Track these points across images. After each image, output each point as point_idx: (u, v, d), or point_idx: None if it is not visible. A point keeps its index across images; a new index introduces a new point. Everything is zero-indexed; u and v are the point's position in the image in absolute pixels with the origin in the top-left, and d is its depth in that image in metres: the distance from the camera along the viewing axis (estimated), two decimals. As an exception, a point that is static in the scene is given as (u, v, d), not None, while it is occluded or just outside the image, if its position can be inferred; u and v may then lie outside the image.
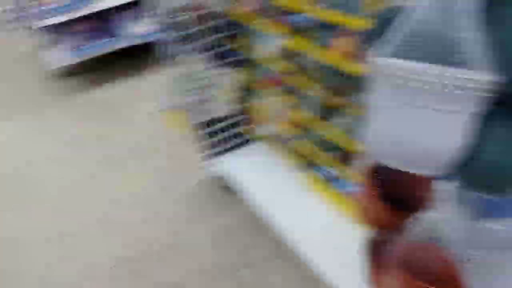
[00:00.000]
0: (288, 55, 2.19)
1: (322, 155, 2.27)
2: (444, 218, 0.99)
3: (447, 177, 0.79)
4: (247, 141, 2.98)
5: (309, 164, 2.44)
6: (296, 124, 2.36)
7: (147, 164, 3.36)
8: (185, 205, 2.93)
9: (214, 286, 2.39)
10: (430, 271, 0.96)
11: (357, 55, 1.82)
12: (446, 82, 0.68)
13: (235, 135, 2.94)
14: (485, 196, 0.85)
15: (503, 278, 0.86)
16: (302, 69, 2.17)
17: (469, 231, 0.92)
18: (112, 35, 4.47)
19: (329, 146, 2.24)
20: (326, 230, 2.34)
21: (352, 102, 1.95)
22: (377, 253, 1.14)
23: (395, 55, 0.70)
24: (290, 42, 2.13)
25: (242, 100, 2.81)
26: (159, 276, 2.49)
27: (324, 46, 1.95)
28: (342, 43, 1.87)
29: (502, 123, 0.70)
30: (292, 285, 2.33)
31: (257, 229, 2.65)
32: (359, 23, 1.71)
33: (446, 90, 0.68)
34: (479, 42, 0.66)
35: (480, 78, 0.67)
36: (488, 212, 0.92)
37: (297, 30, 2.08)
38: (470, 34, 0.66)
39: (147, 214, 2.91)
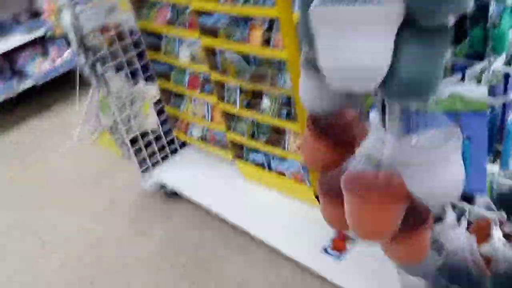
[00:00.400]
0: (207, 55, 2.36)
1: (255, 140, 2.46)
2: (378, 144, 1.20)
3: (378, 92, 1.00)
4: (181, 146, 3.11)
5: (244, 152, 2.62)
6: (225, 118, 2.52)
7: (86, 189, 3.37)
8: (132, 220, 2.98)
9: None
10: (376, 189, 1.16)
11: (273, 42, 2.05)
12: (366, 15, 0.89)
13: (169, 143, 3.06)
14: (407, 108, 1.08)
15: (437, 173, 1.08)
16: (222, 66, 2.35)
17: (399, 148, 1.14)
18: (19, 75, 4.38)
19: (260, 131, 2.43)
20: (273, 209, 2.53)
21: (274, 85, 2.16)
22: (327, 190, 1.33)
23: (325, 1, 0.91)
24: (208, 43, 2.30)
25: (169, 107, 2.94)
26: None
27: (242, 40, 2.15)
28: (258, 33, 2.08)
29: (413, 41, 0.93)
30: (254, 265, 2.48)
31: (207, 225, 2.78)
32: (271, 12, 1.93)
33: (368, 21, 0.89)
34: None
35: (392, 9, 0.88)
36: (411, 127, 1.15)
37: (213, 30, 2.26)
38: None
39: (95, 235, 2.94)
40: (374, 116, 1.22)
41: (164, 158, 3.07)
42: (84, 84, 2.73)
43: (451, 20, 0.87)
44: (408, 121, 1.15)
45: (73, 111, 4.24)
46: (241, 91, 2.38)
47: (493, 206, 1.37)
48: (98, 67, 2.67)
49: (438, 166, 1.07)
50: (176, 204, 2.98)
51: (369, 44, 0.89)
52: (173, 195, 2.99)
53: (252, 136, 2.47)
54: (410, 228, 1.23)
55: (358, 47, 0.89)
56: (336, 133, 1.32)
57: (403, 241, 1.26)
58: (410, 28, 0.91)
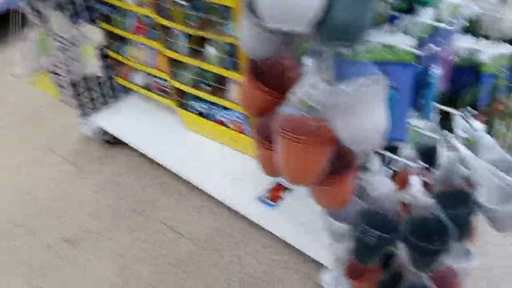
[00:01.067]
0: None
1: (198, 89, 2.46)
2: (310, 89, 1.24)
3: (312, 37, 1.03)
4: (124, 92, 3.06)
5: (187, 101, 2.61)
6: (170, 64, 2.50)
7: (23, 131, 3.28)
8: (70, 165, 2.94)
9: (110, 234, 2.49)
10: (305, 131, 1.21)
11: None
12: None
13: (110, 88, 3.00)
14: (338, 53, 1.11)
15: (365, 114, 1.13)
16: (169, 10, 2.31)
17: (329, 93, 1.18)
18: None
19: (203, 79, 2.43)
20: (213, 158, 2.56)
21: (220, 33, 2.14)
22: (262, 134, 1.37)
23: None
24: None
25: (112, 52, 2.86)
26: (52, 235, 2.51)
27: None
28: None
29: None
30: (192, 212, 2.52)
31: (146, 172, 2.78)
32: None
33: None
34: None
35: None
36: (341, 74, 1.19)
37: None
38: None
39: (31, 178, 2.88)
40: (308, 62, 1.25)
41: (105, 104, 3.02)
42: (25, 25, 2.61)
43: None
44: (339, 68, 1.18)
45: (9, 53, 4.05)
46: (187, 38, 2.35)
47: (416, 157, 1.46)
48: (39, 4, 2.56)
49: (362, 111, 1.12)
50: (116, 150, 2.96)
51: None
52: (112, 141, 2.96)
53: (196, 84, 2.46)
54: (336, 173, 1.29)
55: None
56: (273, 78, 1.34)
57: (329, 185, 1.32)
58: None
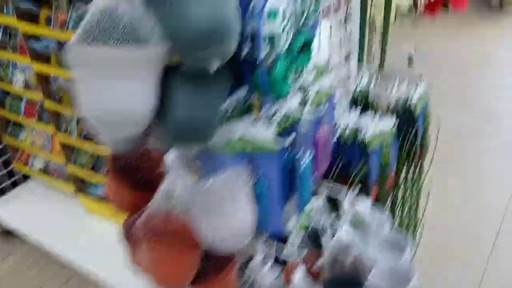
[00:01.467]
0: (40, 82, 2.20)
1: (95, 174, 2.32)
2: (175, 185, 1.14)
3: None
4: (23, 178, 2.85)
5: (86, 186, 2.46)
6: (65, 149, 2.36)
7: None
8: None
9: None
10: (167, 230, 1.10)
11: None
12: (126, 57, 0.83)
13: (7, 175, 2.79)
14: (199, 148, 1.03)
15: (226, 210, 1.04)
16: (58, 93, 2.20)
17: (191, 191, 1.09)
18: None
19: (100, 163, 2.30)
20: (117, 244, 2.38)
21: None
22: (130, 233, 1.25)
23: (84, 40, 0.83)
24: (39, 69, 2.14)
25: (5, 138, 2.69)
26: None
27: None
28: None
29: (182, 84, 0.88)
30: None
31: (46, 266, 2.55)
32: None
33: (128, 64, 0.83)
34: (148, 20, 0.82)
35: (154, 51, 0.83)
36: (203, 169, 1.11)
37: (44, 55, 2.11)
38: (140, 14, 0.82)
39: None
40: (171, 156, 1.16)
41: (2, 192, 2.79)
42: None
43: (214, 65, 0.84)
44: (200, 163, 1.11)
45: None
46: (78, 121, 2.23)
47: (305, 243, 1.39)
48: None
49: (223, 208, 1.04)
50: (13, 243, 2.71)
51: (128, 88, 0.82)
52: (9, 233, 2.72)
53: (93, 168, 2.33)
54: (212, 270, 1.19)
55: (117, 91, 0.82)
56: (138, 172, 1.24)
57: (207, 284, 1.21)
58: (179, 72, 0.87)
